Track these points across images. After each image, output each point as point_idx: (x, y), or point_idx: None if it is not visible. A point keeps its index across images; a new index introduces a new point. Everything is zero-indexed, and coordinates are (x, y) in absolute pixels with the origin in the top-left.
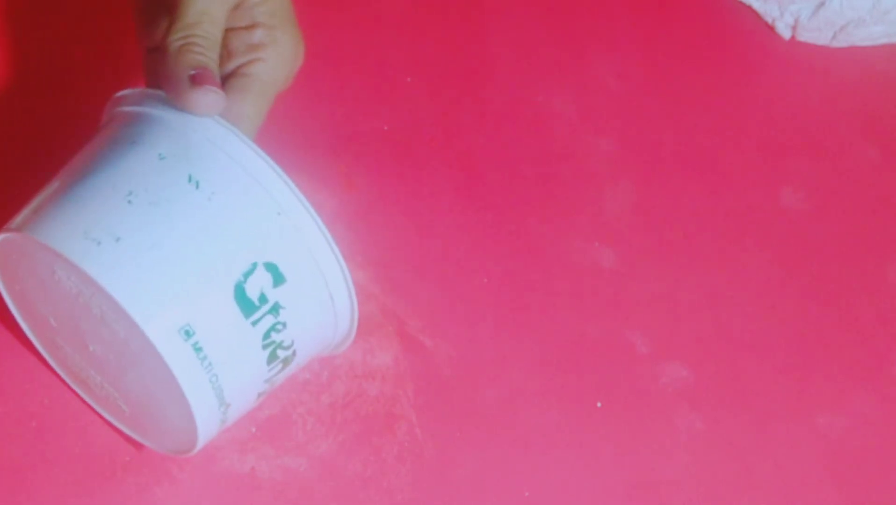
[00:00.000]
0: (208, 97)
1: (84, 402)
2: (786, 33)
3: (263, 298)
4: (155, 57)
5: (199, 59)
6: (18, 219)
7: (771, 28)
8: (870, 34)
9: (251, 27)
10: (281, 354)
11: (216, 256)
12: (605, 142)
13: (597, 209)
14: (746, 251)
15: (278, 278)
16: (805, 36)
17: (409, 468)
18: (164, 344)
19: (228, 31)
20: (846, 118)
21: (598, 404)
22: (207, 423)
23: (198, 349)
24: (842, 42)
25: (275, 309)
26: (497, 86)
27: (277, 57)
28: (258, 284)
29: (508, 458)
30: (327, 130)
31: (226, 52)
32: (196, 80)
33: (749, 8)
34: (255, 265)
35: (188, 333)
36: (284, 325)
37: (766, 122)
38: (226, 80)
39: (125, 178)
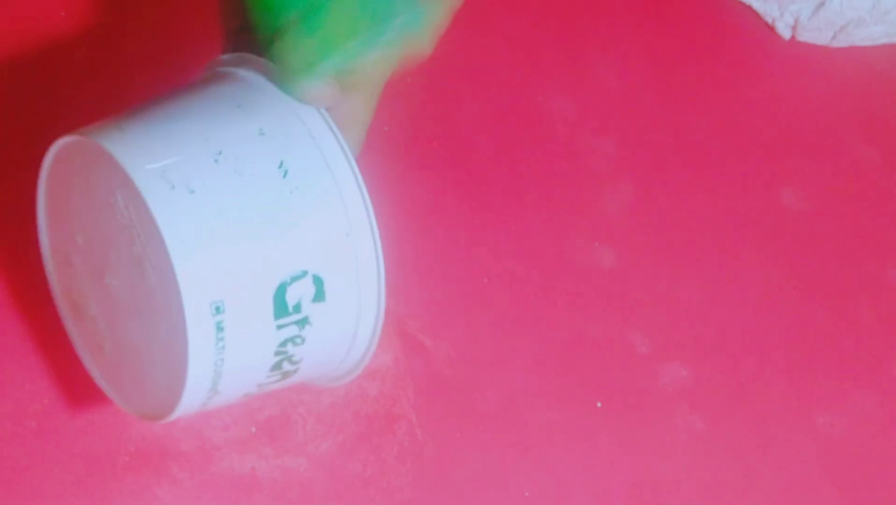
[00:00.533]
0: (323, 89)
1: (85, 400)
2: (786, 33)
3: (297, 308)
4: (242, 38)
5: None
6: (98, 127)
7: (771, 28)
8: (870, 34)
9: None
10: (286, 366)
11: (275, 248)
12: (605, 142)
13: (597, 209)
14: (746, 251)
15: (319, 295)
16: (805, 36)
17: (409, 468)
18: (191, 310)
19: None
20: (846, 118)
21: (598, 404)
22: (191, 401)
23: (219, 328)
24: (842, 42)
25: (302, 322)
26: (497, 86)
27: (384, 53)
28: (300, 291)
29: (508, 458)
30: None
31: None
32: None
33: (749, 8)
34: (304, 273)
35: (217, 310)
36: (303, 340)
37: (766, 122)
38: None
39: (220, 137)
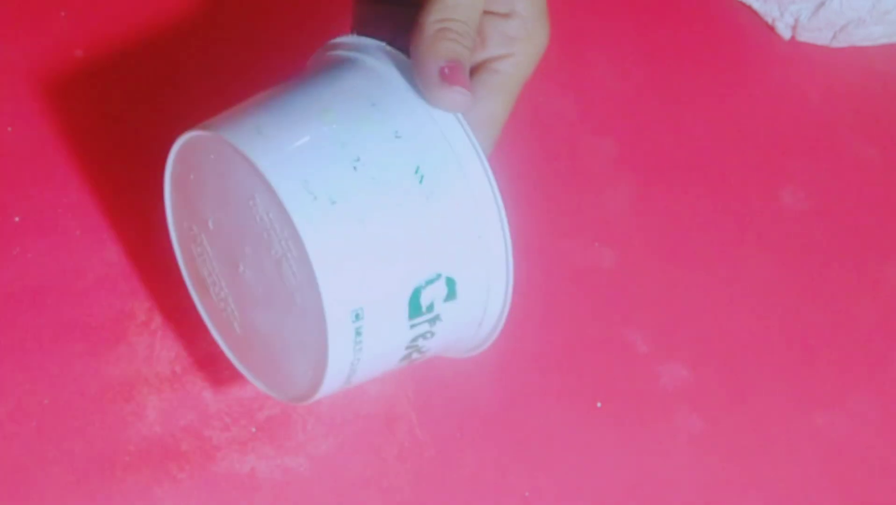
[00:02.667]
0: (456, 98)
1: (86, 400)
2: (786, 33)
3: (431, 308)
4: (369, 8)
5: (455, 50)
6: (232, 123)
7: (771, 28)
8: (870, 34)
9: (508, 16)
10: (414, 356)
11: (412, 255)
12: (605, 142)
13: (597, 209)
14: (746, 251)
15: (451, 295)
16: (805, 36)
17: (409, 468)
18: (333, 319)
19: (485, 14)
20: (846, 118)
21: (598, 404)
22: (324, 393)
23: (358, 333)
24: (842, 42)
25: (434, 320)
26: None
27: (530, 53)
28: (433, 293)
29: (508, 458)
30: None
31: (479, 39)
32: (447, 77)
33: (749, 8)
34: (438, 276)
35: (357, 316)
36: (433, 335)
37: (766, 122)
38: (475, 72)
39: (358, 142)
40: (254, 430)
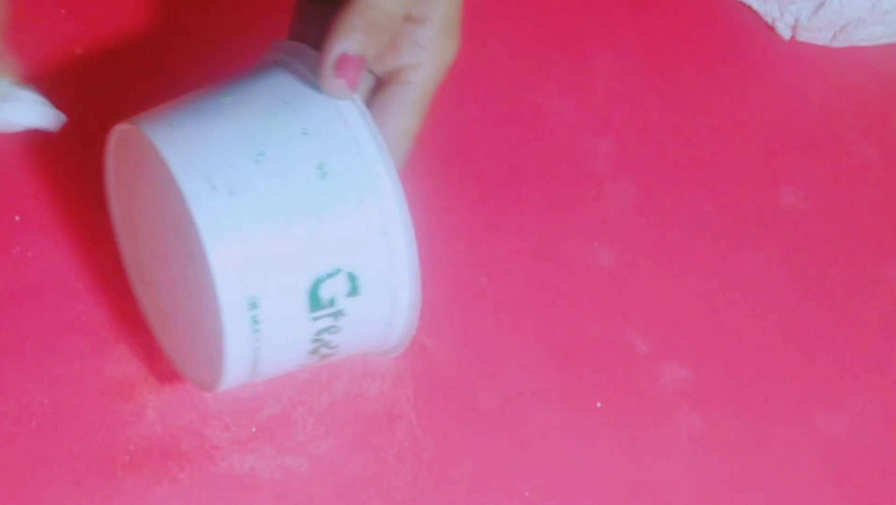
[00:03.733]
0: (341, 89)
1: (86, 400)
2: (786, 33)
3: (332, 302)
4: (311, 8)
5: (366, 43)
6: (152, 116)
7: (771, 28)
8: (870, 34)
9: (421, 21)
10: (323, 351)
11: (311, 249)
12: (605, 142)
13: (597, 209)
14: (746, 251)
15: (354, 290)
16: (805, 36)
17: (409, 468)
18: (227, 306)
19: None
20: (846, 118)
21: (598, 404)
22: (232, 380)
23: (255, 322)
24: (842, 42)
25: (337, 314)
26: (497, 86)
27: (438, 63)
28: (334, 288)
29: (508, 458)
30: None
31: (391, 42)
32: (341, 68)
33: (749, 8)
34: (338, 271)
35: (253, 305)
36: (339, 329)
37: (766, 122)
38: (388, 81)
39: (263, 137)
40: (254, 430)
